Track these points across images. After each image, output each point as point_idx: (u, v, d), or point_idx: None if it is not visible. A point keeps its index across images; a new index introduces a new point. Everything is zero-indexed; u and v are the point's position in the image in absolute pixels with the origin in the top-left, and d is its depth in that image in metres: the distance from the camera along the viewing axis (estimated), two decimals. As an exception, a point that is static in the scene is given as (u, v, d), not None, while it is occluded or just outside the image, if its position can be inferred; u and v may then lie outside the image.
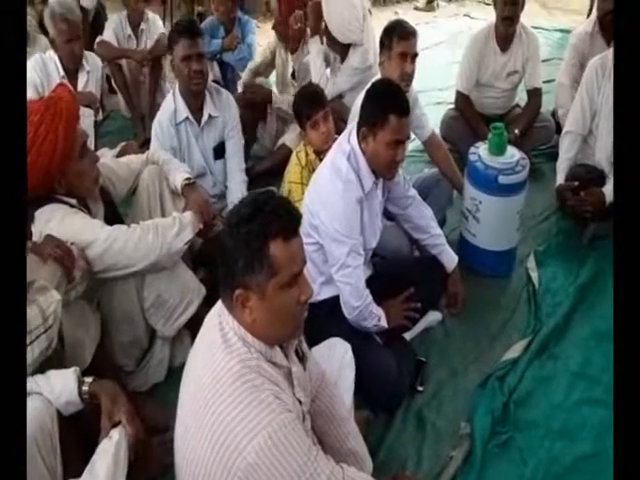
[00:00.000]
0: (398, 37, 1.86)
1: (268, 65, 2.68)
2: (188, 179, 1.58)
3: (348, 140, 1.56)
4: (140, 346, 1.48)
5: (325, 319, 1.54)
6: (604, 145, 2.24)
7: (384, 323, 1.55)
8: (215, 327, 0.94)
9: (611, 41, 2.76)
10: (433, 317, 1.77)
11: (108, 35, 2.71)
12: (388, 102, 1.47)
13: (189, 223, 1.43)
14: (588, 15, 4.16)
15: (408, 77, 1.92)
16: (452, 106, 2.80)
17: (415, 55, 1.92)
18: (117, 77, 2.71)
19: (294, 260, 0.92)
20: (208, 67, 1.90)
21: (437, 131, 2.80)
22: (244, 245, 0.89)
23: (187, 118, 1.87)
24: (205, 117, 1.89)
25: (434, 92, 3.33)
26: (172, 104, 1.88)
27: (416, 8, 4.99)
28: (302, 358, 1.05)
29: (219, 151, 1.95)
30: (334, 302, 1.54)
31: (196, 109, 1.88)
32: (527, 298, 1.90)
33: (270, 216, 0.89)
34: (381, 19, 4.63)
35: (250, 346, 0.92)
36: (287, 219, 0.91)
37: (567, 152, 2.29)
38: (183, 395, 0.97)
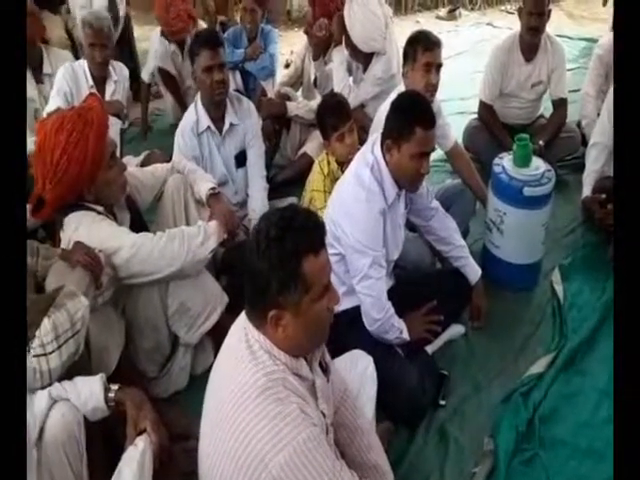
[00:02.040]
0: (423, 48, 1.86)
1: (300, 74, 2.72)
2: (213, 189, 1.61)
3: (372, 151, 1.56)
4: (163, 352, 1.50)
5: (347, 329, 1.53)
6: None
7: (406, 336, 1.54)
8: (241, 339, 0.95)
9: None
10: (456, 330, 1.75)
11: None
12: (415, 114, 1.47)
13: (214, 232, 1.46)
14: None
15: (433, 88, 1.92)
16: (475, 116, 2.79)
17: (440, 65, 1.92)
18: (169, 83, 2.78)
19: (325, 272, 0.93)
20: (229, 76, 1.95)
21: (460, 141, 2.82)
22: (278, 267, 0.89)
23: (209, 128, 1.91)
24: (227, 126, 1.92)
25: (456, 101, 3.32)
26: (194, 114, 1.92)
27: (438, 17, 5.01)
28: (326, 370, 1.05)
29: (240, 159, 1.98)
30: (356, 312, 1.54)
31: (218, 118, 1.92)
32: (552, 312, 1.87)
33: (299, 233, 0.90)
34: (403, 28, 4.66)
35: (276, 359, 0.92)
36: (315, 233, 0.92)
37: (594, 164, 2.26)
38: (208, 406, 0.98)
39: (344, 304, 1.55)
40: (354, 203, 1.50)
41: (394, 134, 1.49)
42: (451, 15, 4.95)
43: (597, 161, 2.26)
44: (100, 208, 1.40)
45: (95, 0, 2.93)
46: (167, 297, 1.42)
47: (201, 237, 1.41)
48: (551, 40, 2.69)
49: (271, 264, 0.89)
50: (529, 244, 1.95)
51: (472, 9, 5.04)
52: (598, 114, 2.48)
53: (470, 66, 3.76)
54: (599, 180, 2.24)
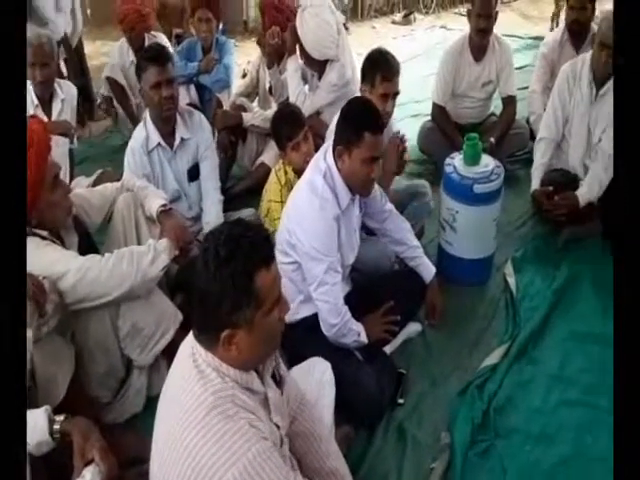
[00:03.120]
0: (381, 77, 1.87)
1: (255, 85, 2.73)
2: (164, 205, 1.59)
3: (324, 158, 1.59)
4: (117, 376, 1.48)
5: (305, 337, 1.55)
6: (576, 149, 2.29)
7: (364, 338, 1.56)
8: (188, 360, 0.94)
9: (580, 48, 2.85)
10: (413, 328, 1.79)
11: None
12: (363, 120, 1.49)
13: (164, 250, 1.44)
14: (552, 21, 4.28)
15: (388, 115, 1.94)
16: (429, 118, 2.85)
17: (397, 93, 1.94)
18: (118, 93, 2.75)
19: (276, 284, 0.94)
20: (179, 91, 1.93)
21: (414, 143, 2.88)
22: (230, 287, 0.87)
23: (159, 144, 1.89)
24: (177, 141, 1.91)
25: (411, 104, 3.40)
26: (143, 131, 1.90)
27: (393, 22, 5.11)
28: (279, 381, 1.06)
29: (193, 173, 1.97)
30: (313, 320, 1.55)
31: (168, 134, 1.91)
32: (505, 304, 1.93)
33: (250, 250, 0.89)
34: (360, 34, 4.75)
35: (225, 375, 0.92)
36: (265, 247, 0.92)
37: (541, 158, 2.34)
38: (157, 429, 0.97)
39: (302, 312, 1.60)
40: (308, 211, 1.52)
41: (344, 140, 1.52)
42: (406, 20, 5.06)
43: (544, 155, 2.34)
44: (44, 233, 1.37)
45: (59, 19, 2.89)
46: (118, 319, 1.40)
47: (151, 255, 1.40)
48: (499, 40, 2.79)
49: (223, 285, 0.87)
50: (481, 239, 2.01)
51: (427, 13, 5.16)
52: (545, 110, 2.57)
53: (425, 69, 3.86)
54: (547, 173, 2.33)
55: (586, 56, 2.25)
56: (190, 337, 0.98)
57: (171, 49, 2.55)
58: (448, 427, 1.47)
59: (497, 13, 2.69)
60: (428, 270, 1.80)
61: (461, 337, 1.79)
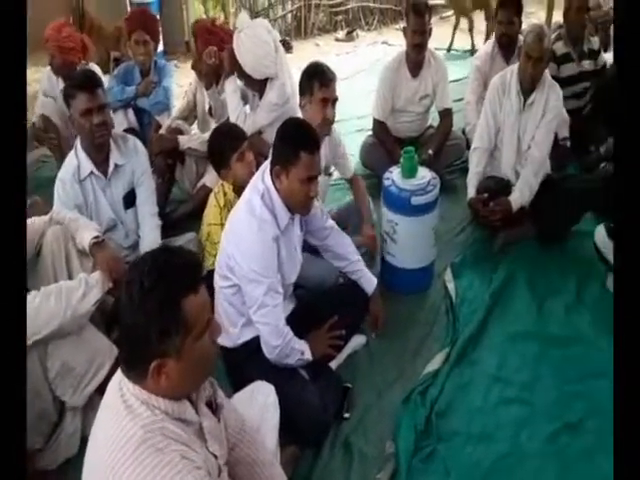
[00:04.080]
0: (319, 84, 1.94)
1: (192, 108, 2.74)
2: (96, 237, 1.56)
3: (262, 179, 1.61)
4: (49, 420, 1.42)
5: (248, 361, 1.56)
6: (508, 157, 2.45)
7: (308, 356, 1.58)
8: (116, 395, 0.93)
9: (510, 60, 3.06)
10: (357, 341, 1.84)
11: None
12: (299, 140, 1.52)
13: (97, 283, 1.42)
14: (486, 36, 4.58)
15: (330, 122, 2.00)
16: (371, 133, 2.96)
17: (335, 99, 1.99)
18: (50, 130, 2.68)
19: (206, 308, 0.93)
20: (117, 116, 1.91)
21: (357, 158, 2.98)
22: (157, 316, 0.87)
23: (92, 173, 1.86)
24: (111, 168, 1.88)
25: (354, 120, 3.52)
26: (75, 160, 1.86)
27: (337, 39, 5.28)
28: (216, 409, 1.05)
29: (130, 200, 1.94)
30: (256, 343, 1.56)
31: (101, 161, 1.88)
32: (445, 310, 2.02)
33: (176, 275, 0.89)
34: (303, 51, 4.87)
35: (155, 408, 0.91)
36: (193, 271, 0.91)
37: (476, 167, 2.49)
38: (87, 471, 0.95)
39: (244, 335, 1.60)
40: (246, 233, 1.53)
41: (281, 161, 1.54)
42: (349, 36, 5.24)
43: (479, 164, 2.48)
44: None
45: None
46: (47, 359, 1.35)
47: (82, 290, 1.37)
48: (434, 55, 2.94)
49: (149, 316, 0.87)
50: (421, 249, 2.10)
51: (369, 30, 5.37)
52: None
53: (368, 84, 3.99)
54: (481, 181, 2.47)
55: (514, 68, 2.41)
56: (118, 372, 0.96)
57: (102, 76, 2.52)
58: (393, 436, 1.51)
59: (431, 29, 2.85)
60: (370, 282, 1.85)
61: (404, 345, 1.85)
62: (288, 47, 4.90)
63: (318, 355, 1.61)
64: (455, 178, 2.84)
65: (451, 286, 2.11)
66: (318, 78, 1.95)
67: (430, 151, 2.78)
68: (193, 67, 2.67)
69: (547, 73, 2.35)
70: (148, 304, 0.87)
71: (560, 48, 3.06)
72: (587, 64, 3.10)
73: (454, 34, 4.85)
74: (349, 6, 5.64)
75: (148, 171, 1.97)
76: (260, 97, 2.59)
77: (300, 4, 5.45)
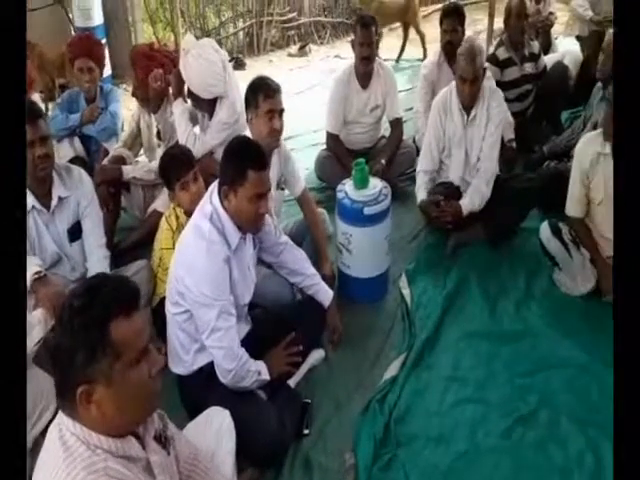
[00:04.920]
0: (264, 95, 1.96)
1: (136, 136, 2.74)
2: (38, 273, 1.54)
3: (210, 200, 1.61)
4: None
5: (203, 387, 1.56)
6: (456, 170, 2.53)
7: (265, 376, 1.59)
8: (55, 436, 0.91)
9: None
10: (316, 356, 1.87)
11: None
12: (246, 158, 1.54)
13: (39, 322, 1.40)
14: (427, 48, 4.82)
15: (277, 133, 2.01)
16: (325, 146, 3.04)
17: (282, 110, 2.01)
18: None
19: (140, 335, 0.92)
20: (61, 145, 1.89)
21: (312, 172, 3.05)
22: (82, 337, 0.86)
23: (34, 207, 1.83)
24: (55, 201, 1.85)
25: (309, 134, 3.60)
26: None
27: (290, 54, 5.40)
28: (165, 443, 1.04)
29: (75, 232, 1.91)
30: (211, 368, 1.56)
31: (44, 194, 1.84)
32: (402, 316, 2.08)
33: (107, 297, 0.89)
34: (256, 68, 4.95)
35: (96, 448, 0.89)
36: (125, 295, 0.91)
37: (424, 186, 2.55)
38: None
39: (198, 362, 1.60)
40: (195, 256, 1.53)
41: (229, 180, 1.54)
42: (302, 51, 5.37)
43: (426, 183, 2.54)
44: None
45: None
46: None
47: (23, 329, 1.36)
48: (382, 66, 3.05)
49: (74, 335, 0.86)
50: (376, 258, 2.17)
51: (321, 44, 5.51)
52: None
53: (322, 98, 4.07)
54: (433, 188, 2.56)
55: (453, 86, 2.50)
56: (58, 415, 0.94)
57: (49, 103, 2.50)
58: (352, 447, 1.55)
59: (379, 41, 2.96)
60: (326, 295, 1.90)
61: (362, 355, 1.90)
62: (241, 64, 4.99)
63: (276, 374, 1.63)
64: (407, 186, 2.94)
65: (406, 292, 2.19)
66: (262, 90, 1.98)
67: (383, 161, 2.88)
68: (134, 94, 2.67)
69: (485, 82, 2.46)
70: (75, 325, 0.87)
71: (502, 53, 3.24)
72: (528, 67, 3.29)
73: (404, 45, 5.04)
74: (301, 21, 5.78)
75: (94, 202, 1.94)
76: (210, 117, 2.62)
77: (252, 21, 5.55)
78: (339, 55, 5.16)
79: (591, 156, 2.07)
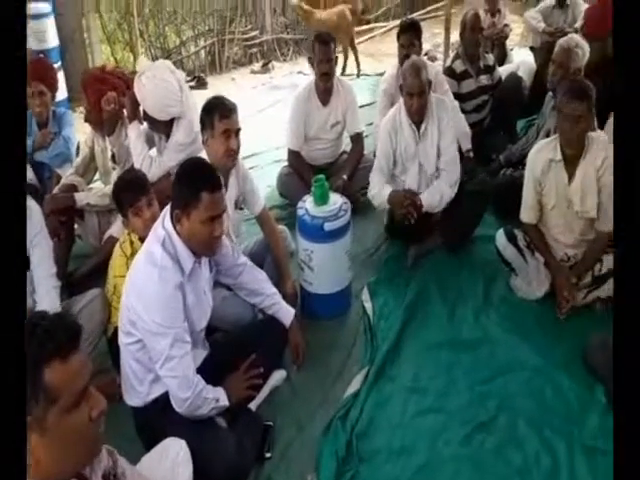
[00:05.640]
0: (219, 115, 1.97)
1: (90, 160, 2.73)
2: None
3: (163, 225, 1.61)
4: None
5: (159, 418, 1.56)
6: (411, 184, 2.57)
7: (224, 402, 1.59)
8: None
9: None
10: (278, 377, 1.88)
11: None
12: (199, 180, 1.53)
13: None
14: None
15: (234, 152, 2.02)
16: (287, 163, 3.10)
17: (239, 130, 2.03)
18: None
19: (76, 377, 0.89)
20: None
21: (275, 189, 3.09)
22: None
23: None
24: None
25: (272, 151, 3.67)
26: None
27: (252, 72, 5.48)
28: None
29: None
30: (167, 398, 1.55)
31: None
32: (364, 330, 2.13)
33: (42, 339, 0.86)
34: (219, 87, 5.01)
35: None
36: (62, 336, 0.88)
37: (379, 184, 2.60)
38: None
39: (154, 392, 1.59)
40: (147, 283, 1.52)
41: (181, 204, 1.53)
42: (265, 68, 5.47)
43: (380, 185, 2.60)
44: None
45: None
46: None
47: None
48: (342, 83, 3.15)
49: None
50: (337, 273, 2.22)
51: (284, 60, 5.62)
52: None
53: (285, 115, 4.15)
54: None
55: (401, 103, 2.56)
56: None
57: None
58: (315, 468, 1.57)
59: (337, 58, 3.05)
60: (287, 314, 1.92)
61: (325, 372, 1.94)
62: (203, 83, 5.04)
63: (235, 399, 1.63)
64: (369, 199, 3.00)
65: (368, 305, 2.24)
66: (218, 111, 1.98)
67: (344, 176, 2.95)
68: (86, 119, 2.67)
69: (432, 95, 2.54)
70: None
71: (459, 66, 3.39)
72: (484, 79, 3.44)
73: (358, 62, 5.16)
74: (263, 38, 5.89)
75: (43, 231, 1.91)
76: (167, 138, 2.64)
77: (213, 40, 5.62)
78: (302, 71, 5.27)
79: (543, 163, 2.18)
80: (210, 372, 1.64)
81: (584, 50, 2.84)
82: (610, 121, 2.58)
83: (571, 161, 2.13)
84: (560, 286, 2.15)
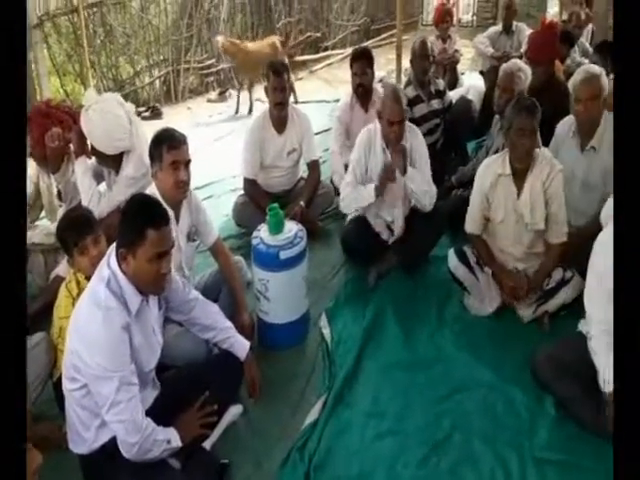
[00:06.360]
0: (167, 147, 1.99)
1: (36, 198, 2.69)
2: None
3: (108, 264, 1.60)
4: None
5: (107, 465, 1.53)
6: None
7: (176, 443, 1.58)
8: None
9: (368, 108, 3.45)
10: (234, 411, 1.86)
11: None
12: (144, 217, 1.54)
13: None
14: None
15: (183, 184, 2.03)
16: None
17: (188, 161, 2.05)
18: None
19: None
20: None
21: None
22: None
23: None
24: None
25: (229, 179, 3.72)
26: None
27: (209, 100, 5.57)
28: None
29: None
30: (115, 444, 1.52)
31: None
32: (322, 357, 2.16)
33: None
34: (174, 117, 5.07)
35: None
36: None
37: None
38: None
39: (101, 438, 1.55)
40: (90, 326, 1.50)
41: (127, 242, 1.53)
42: (221, 97, 5.57)
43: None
44: None
45: None
46: None
47: None
48: (297, 112, 3.25)
49: None
50: (294, 301, 2.26)
51: (241, 88, 5.71)
52: (346, 166, 3.00)
53: (242, 143, 4.23)
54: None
55: (377, 126, 2.63)
56: None
57: None
58: (272, 503, 1.56)
59: (291, 86, 3.15)
60: (242, 347, 1.91)
61: (283, 403, 1.95)
62: (158, 114, 5.08)
63: (188, 439, 1.62)
64: (328, 225, 3.09)
65: (326, 332, 2.28)
66: (166, 143, 2.00)
67: (302, 202, 3.02)
68: (31, 155, 2.65)
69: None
70: None
71: (411, 91, 3.57)
72: (435, 103, 3.63)
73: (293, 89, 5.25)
74: (220, 67, 6.00)
75: None
76: (117, 173, 2.64)
77: (168, 69, 5.69)
78: (260, 99, 5.38)
79: (492, 177, 2.31)
80: (162, 412, 1.62)
81: (526, 74, 3.06)
82: (554, 139, 2.75)
83: (519, 175, 2.28)
84: (505, 284, 2.26)
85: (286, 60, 5.20)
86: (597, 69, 2.57)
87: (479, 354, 2.12)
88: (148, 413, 1.58)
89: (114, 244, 1.63)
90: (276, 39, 5.38)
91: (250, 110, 5.22)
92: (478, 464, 1.67)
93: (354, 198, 2.63)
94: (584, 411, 1.82)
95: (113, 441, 1.53)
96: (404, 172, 2.52)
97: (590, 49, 4.50)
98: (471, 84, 4.43)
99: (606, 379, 1.74)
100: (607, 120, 2.55)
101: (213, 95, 5.63)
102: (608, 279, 1.78)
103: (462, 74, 4.90)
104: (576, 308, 2.09)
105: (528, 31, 4.51)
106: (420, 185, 2.57)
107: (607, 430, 1.70)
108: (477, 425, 1.81)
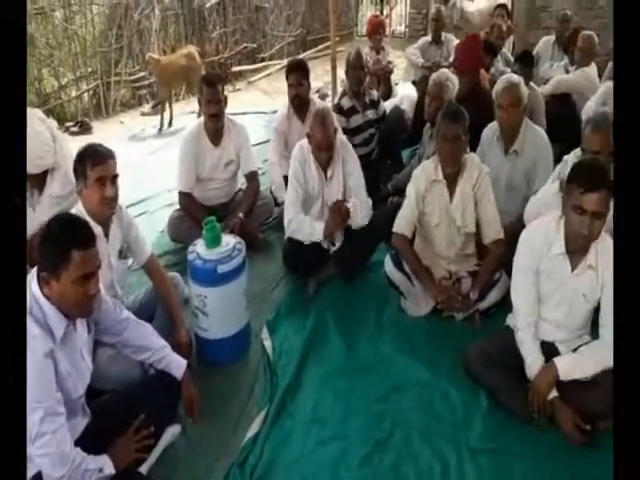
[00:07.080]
0: (92, 163, 1.96)
1: None
2: None
3: (29, 289, 1.54)
4: None
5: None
6: (315, 219, 2.73)
7: (109, 470, 1.54)
8: None
9: (305, 119, 3.52)
10: (171, 432, 1.84)
11: None
12: (68, 238, 1.49)
13: None
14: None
15: (110, 200, 2.01)
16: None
17: (115, 176, 2.02)
18: None
19: None
20: None
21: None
22: None
23: None
24: None
25: (164, 194, 3.67)
26: None
27: (143, 113, 5.47)
28: None
29: None
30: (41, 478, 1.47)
31: None
32: (264, 369, 2.17)
33: None
34: (106, 131, 4.94)
35: None
36: None
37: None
38: None
39: (29, 472, 1.46)
40: None
41: (49, 265, 1.48)
42: (155, 109, 5.47)
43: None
44: None
45: None
46: None
47: None
48: (233, 123, 3.27)
49: None
50: (234, 315, 2.27)
51: (176, 100, 5.67)
52: (285, 177, 3.05)
53: (176, 157, 4.19)
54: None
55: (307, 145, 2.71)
56: None
57: None
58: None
59: (227, 97, 3.16)
60: (178, 365, 1.88)
61: (224, 419, 1.95)
62: (87, 128, 4.93)
63: (123, 465, 1.58)
64: (268, 236, 3.12)
65: (268, 343, 2.31)
66: (90, 158, 1.98)
67: (241, 214, 3.03)
68: None
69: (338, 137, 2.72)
70: None
71: (346, 102, 3.69)
72: (370, 113, 3.77)
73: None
74: (152, 79, 5.91)
75: None
76: (40, 192, 2.55)
77: (97, 82, 5.54)
78: (195, 111, 5.35)
79: (426, 181, 2.44)
80: (96, 439, 1.58)
81: (454, 83, 3.27)
82: (480, 144, 2.94)
83: (451, 180, 2.42)
84: (441, 299, 2.38)
85: (203, 71, 5.22)
86: (516, 78, 2.80)
87: (416, 354, 2.22)
88: (79, 441, 1.53)
89: (35, 268, 1.57)
90: (193, 49, 5.35)
91: (170, 123, 5.16)
92: (418, 460, 1.75)
93: (305, 233, 2.65)
94: (512, 400, 1.95)
95: (39, 476, 1.46)
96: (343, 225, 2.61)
97: (512, 59, 4.83)
98: (404, 94, 4.63)
99: (531, 367, 1.89)
100: (527, 126, 2.77)
101: (147, 108, 5.53)
102: (531, 274, 1.94)
103: (396, 84, 5.12)
104: (504, 305, 2.24)
105: (456, 41, 4.77)
106: (360, 210, 2.67)
107: (533, 417, 1.87)
108: (416, 422, 1.89)
